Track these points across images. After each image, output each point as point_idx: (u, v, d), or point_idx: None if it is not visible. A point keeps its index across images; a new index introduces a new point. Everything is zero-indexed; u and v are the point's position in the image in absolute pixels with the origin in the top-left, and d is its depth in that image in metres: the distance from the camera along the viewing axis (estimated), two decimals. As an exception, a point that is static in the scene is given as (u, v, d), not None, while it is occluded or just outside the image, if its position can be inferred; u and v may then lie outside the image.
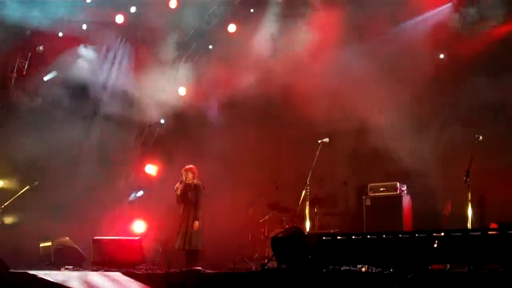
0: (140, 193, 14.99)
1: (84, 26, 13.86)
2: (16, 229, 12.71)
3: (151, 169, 15.16)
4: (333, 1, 12.57)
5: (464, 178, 8.79)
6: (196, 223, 10.75)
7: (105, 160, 14.18)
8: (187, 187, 11.02)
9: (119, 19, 14.02)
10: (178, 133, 15.08)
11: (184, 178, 11.08)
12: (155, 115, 14.71)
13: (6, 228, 11.91)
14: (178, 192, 10.99)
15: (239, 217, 12.06)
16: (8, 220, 12.44)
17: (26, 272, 8.49)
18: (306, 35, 12.71)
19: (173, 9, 13.72)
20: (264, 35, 13.35)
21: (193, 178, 11.08)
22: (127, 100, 14.31)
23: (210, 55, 14.50)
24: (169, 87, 14.23)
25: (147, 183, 15.35)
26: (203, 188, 11.08)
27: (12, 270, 8.52)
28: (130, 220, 14.89)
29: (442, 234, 6.74)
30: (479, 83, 10.81)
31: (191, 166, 11.19)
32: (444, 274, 6.79)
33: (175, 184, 11.08)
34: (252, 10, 13.70)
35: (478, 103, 10.73)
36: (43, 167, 12.86)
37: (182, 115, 14.87)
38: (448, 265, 7.42)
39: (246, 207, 11.54)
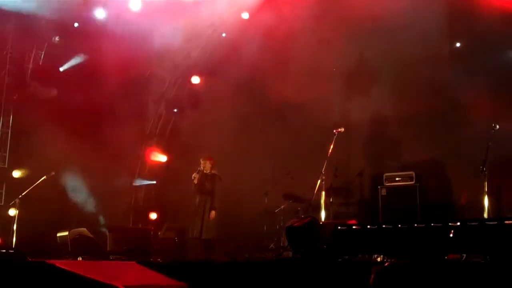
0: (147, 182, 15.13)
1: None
2: (33, 219, 12.83)
3: (158, 156, 15.26)
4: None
5: (481, 167, 8.73)
6: (213, 212, 10.77)
7: (120, 150, 14.26)
8: (204, 177, 11.02)
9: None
10: (193, 123, 15.14)
11: (202, 167, 11.06)
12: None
13: (23, 218, 11.99)
14: (195, 181, 10.99)
15: (255, 207, 12.09)
16: (25, 210, 12.54)
17: (44, 261, 8.56)
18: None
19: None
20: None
21: (211, 168, 11.07)
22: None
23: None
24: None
25: (162, 172, 15.45)
26: (221, 179, 11.08)
27: (30, 259, 8.61)
28: (146, 210, 15.00)
29: (458, 223, 6.70)
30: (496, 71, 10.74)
31: (209, 155, 11.17)
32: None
33: (193, 174, 11.07)
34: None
35: (494, 92, 10.65)
36: (60, 157, 12.94)
37: (197, 106, 14.96)
38: (464, 255, 7.40)
39: (262, 197, 11.54)
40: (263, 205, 11.65)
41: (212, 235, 10.81)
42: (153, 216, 14.79)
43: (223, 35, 14.40)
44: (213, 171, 11.08)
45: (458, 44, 11.64)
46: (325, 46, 12.80)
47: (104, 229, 12.79)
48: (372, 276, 4.97)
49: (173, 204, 14.94)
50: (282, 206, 11.65)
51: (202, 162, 11.11)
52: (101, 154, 13.58)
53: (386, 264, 5.47)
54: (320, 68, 12.79)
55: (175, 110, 15.20)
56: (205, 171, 11.06)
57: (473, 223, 6.69)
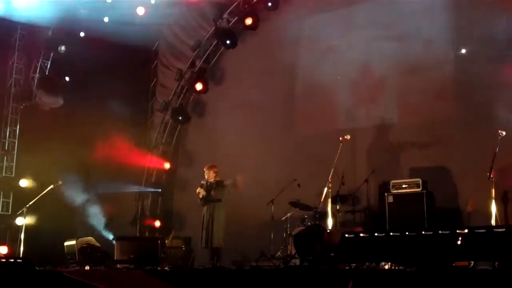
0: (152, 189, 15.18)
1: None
2: (41, 228, 12.87)
3: (162, 164, 15.33)
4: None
5: (488, 174, 8.71)
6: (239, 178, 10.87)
7: (126, 158, 14.30)
8: (209, 186, 11.05)
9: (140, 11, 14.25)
10: (199, 132, 15.19)
11: (206, 176, 11.10)
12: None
13: (31, 227, 12.03)
14: (200, 196, 11.04)
15: (261, 215, 12.08)
16: (32, 219, 12.58)
17: (52, 270, 8.59)
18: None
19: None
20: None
21: (215, 176, 11.11)
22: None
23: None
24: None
25: (169, 180, 15.48)
26: (225, 185, 11.10)
27: (39, 268, 8.63)
28: (152, 218, 15.02)
29: (466, 231, 6.69)
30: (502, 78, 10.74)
31: (212, 164, 11.22)
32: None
33: (197, 189, 11.12)
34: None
35: (500, 99, 10.65)
36: (66, 166, 12.98)
37: (203, 114, 15.02)
38: (472, 262, 7.38)
39: (268, 205, 11.53)
40: (269, 213, 11.63)
41: (220, 243, 10.82)
42: (156, 224, 14.82)
43: (227, 42, 14.44)
44: (217, 179, 11.12)
45: (463, 51, 11.63)
46: (331, 53, 12.86)
47: (111, 238, 12.82)
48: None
49: (179, 212, 14.97)
50: (289, 214, 11.64)
51: (206, 171, 11.17)
52: (107, 163, 13.63)
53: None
54: (326, 76, 12.83)
55: (180, 118, 15.20)
56: (208, 180, 11.11)
57: (481, 230, 6.67)
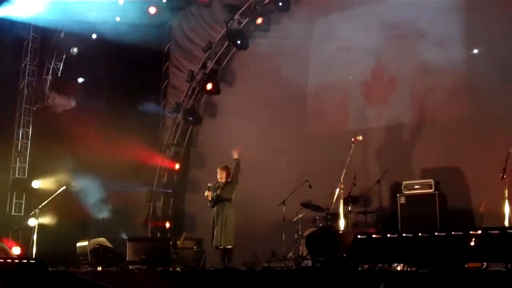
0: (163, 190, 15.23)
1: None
2: (53, 229, 12.95)
3: (173, 165, 15.39)
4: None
5: (501, 175, 8.65)
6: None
7: (138, 159, 14.36)
8: (217, 187, 11.04)
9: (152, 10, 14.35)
10: (210, 133, 15.21)
11: (219, 177, 11.07)
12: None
13: (43, 228, 12.10)
14: (209, 198, 11.03)
15: (273, 216, 12.07)
16: (45, 220, 12.66)
17: (65, 271, 8.63)
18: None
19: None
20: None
21: (226, 177, 11.09)
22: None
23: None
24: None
25: (180, 182, 15.51)
26: (232, 183, 11.09)
27: (51, 269, 8.67)
28: (164, 219, 15.06)
29: (479, 232, 6.65)
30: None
31: (226, 165, 11.19)
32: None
33: (205, 192, 11.11)
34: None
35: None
36: (79, 168, 13.05)
37: (214, 116, 15.04)
38: (485, 264, 7.33)
39: (280, 205, 11.51)
40: (281, 214, 11.62)
41: (230, 243, 10.80)
42: (166, 225, 14.86)
43: (239, 43, 14.45)
44: (227, 180, 11.10)
45: (475, 51, 11.57)
46: (343, 54, 12.85)
47: (123, 239, 12.86)
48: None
49: (191, 213, 14.99)
50: (300, 215, 11.62)
51: (219, 171, 11.14)
52: (119, 164, 13.68)
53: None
54: (338, 76, 12.82)
55: (192, 119, 15.23)
56: (221, 181, 11.09)
57: (494, 231, 6.63)
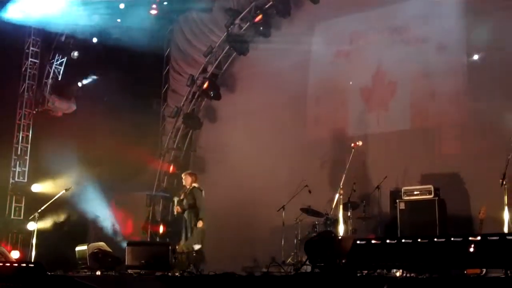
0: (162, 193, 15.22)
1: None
2: (52, 233, 12.93)
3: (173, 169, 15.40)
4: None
5: (500, 181, 8.64)
6: (200, 222, 10.86)
7: (137, 163, 14.36)
8: (184, 194, 11.13)
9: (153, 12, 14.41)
10: (210, 137, 15.21)
11: (183, 182, 11.19)
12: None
13: (42, 232, 12.08)
14: (179, 210, 11.11)
15: (272, 221, 12.06)
16: (44, 224, 12.65)
17: (64, 275, 8.61)
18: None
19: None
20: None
21: (191, 182, 11.15)
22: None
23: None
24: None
25: (179, 186, 15.48)
26: (200, 190, 11.14)
27: (50, 273, 8.65)
28: (163, 223, 15.03)
29: (479, 238, 6.64)
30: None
31: (190, 171, 11.31)
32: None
33: (172, 206, 11.23)
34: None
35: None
36: (78, 172, 13.04)
37: (214, 120, 15.03)
38: (484, 270, 7.32)
39: (279, 211, 11.50)
40: (280, 219, 11.60)
41: (193, 246, 10.89)
42: (160, 229, 14.84)
43: (239, 48, 14.45)
44: (193, 185, 11.14)
45: (476, 56, 11.57)
46: (343, 59, 12.86)
47: (122, 243, 12.83)
48: None
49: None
50: (299, 221, 11.60)
51: (183, 177, 11.26)
52: (119, 168, 13.68)
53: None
54: (338, 81, 12.83)
55: (192, 124, 15.24)
56: (186, 186, 11.17)
57: (494, 238, 6.62)
